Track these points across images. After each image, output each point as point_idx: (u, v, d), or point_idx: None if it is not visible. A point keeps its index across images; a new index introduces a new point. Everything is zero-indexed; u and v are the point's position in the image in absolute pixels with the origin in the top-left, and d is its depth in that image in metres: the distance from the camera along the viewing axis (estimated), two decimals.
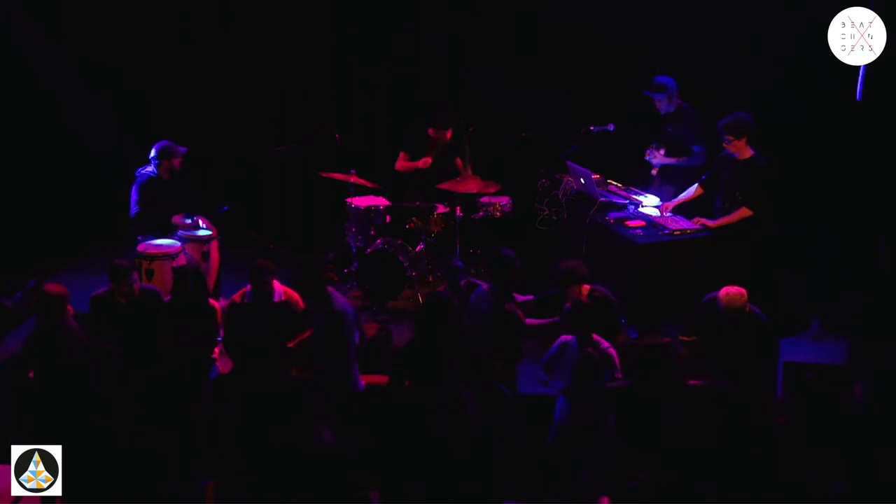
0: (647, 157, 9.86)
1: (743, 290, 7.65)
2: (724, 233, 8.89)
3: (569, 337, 7.46)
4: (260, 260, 8.26)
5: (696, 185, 9.27)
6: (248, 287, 8.21)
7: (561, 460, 7.25)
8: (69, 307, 7.64)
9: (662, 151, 9.77)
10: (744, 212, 8.79)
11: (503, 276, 7.94)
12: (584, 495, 7.14)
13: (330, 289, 7.79)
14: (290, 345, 7.92)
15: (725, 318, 7.63)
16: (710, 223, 8.93)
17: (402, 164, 10.58)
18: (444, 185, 10.29)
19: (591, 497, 7.13)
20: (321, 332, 7.73)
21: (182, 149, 9.69)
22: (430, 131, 10.45)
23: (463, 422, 6.46)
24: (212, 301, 8.41)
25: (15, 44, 11.23)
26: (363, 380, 7.91)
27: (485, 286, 8.12)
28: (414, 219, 10.36)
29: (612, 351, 7.35)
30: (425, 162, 10.39)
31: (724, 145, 8.86)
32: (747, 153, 8.84)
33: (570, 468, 7.21)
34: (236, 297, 8.28)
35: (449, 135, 10.46)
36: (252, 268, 8.14)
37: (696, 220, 9.06)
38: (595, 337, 7.38)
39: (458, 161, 10.60)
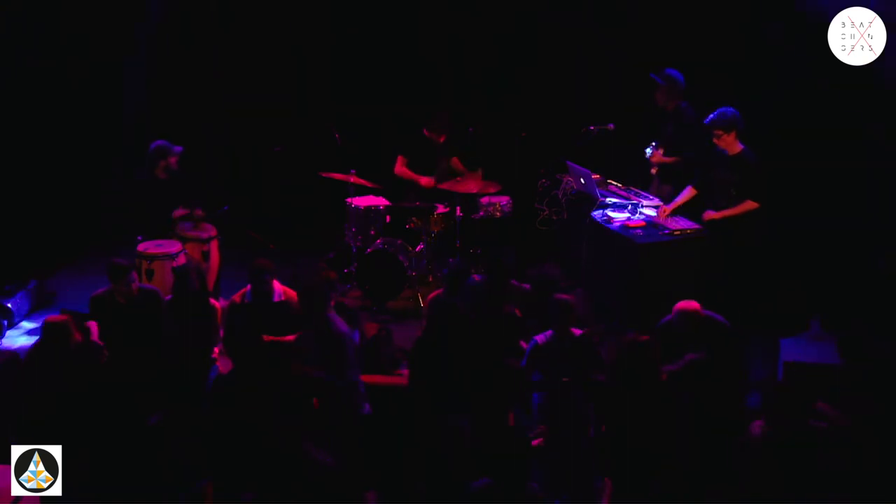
0: (647, 155, 9.84)
1: (695, 303, 7.54)
2: (723, 233, 8.88)
3: (539, 337, 7.44)
4: (260, 260, 8.27)
5: (689, 186, 9.25)
6: (248, 287, 8.21)
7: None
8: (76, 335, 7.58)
9: (661, 151, 9.76)
10: (749, 204, 8.77)
11: (500, 279, 7.97)
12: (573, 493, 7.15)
13: (330, 313, 7.66)
14: (266, 339, 7.84)
15: (681, 331, 7.53)
16: (716, 215, 8.90)
17: (401, 169, 10.57)
18: (444, 185, 10.30)
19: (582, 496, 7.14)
20: (319, 355, 7.59)
21: (177, 148, 9.69)
22: (425, 131, 10.47)
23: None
24: (212, 301, 8.42)
25: (15, 43, 11.23)
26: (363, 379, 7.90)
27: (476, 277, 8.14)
28: (414, 219, 10.36)
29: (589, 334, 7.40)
30: (428, 182, 10.40)
31: (714, 140, 8.84)
32: (737, 148, 8.84)
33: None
34: (236, 297, 8.29)
35: (443, 139, 10.49)
36: (252, 267, 8.15)
37: (704, 215, 9.02)
38: (573, 330, 7.40)
39: (456, 161, 10.61)
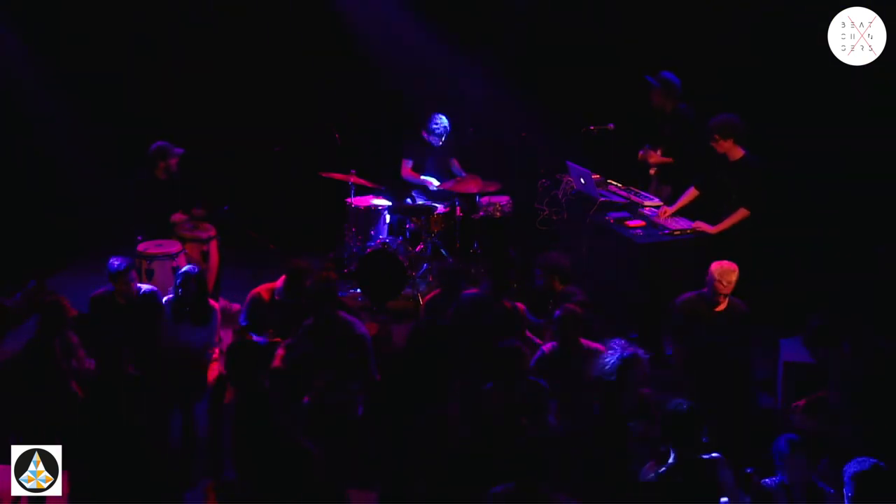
0: (641, 158, 9.84)
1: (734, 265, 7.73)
2: (724, 233, 8.87)
3: (547, 347, 7.39)
4: (298, 260, 8.24)
5: (691, 187, 9.22)
6: (279, 284, 8.17)
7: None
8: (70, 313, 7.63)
9: (659, 151, 9.76)
10: (741, 213, 8.76)
11: (503, 276, 7.96)
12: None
13: (342, 314, 7.71)
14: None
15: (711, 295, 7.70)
16: (711, 229, 8.89)
17: (408, 172, 10.59)
18: (445, 185, 10.31)
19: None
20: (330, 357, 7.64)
21: (178, 150, 9.70)
22: (424, 133, 10.48)
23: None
24: (211, 301, 8.41)
25: (13, 45, 11.24)
26: None
27: (474, 290, 8.10)
28: (414, 219, 10.36)
29: (601, 347, 7.24)
30: (431, 183, 10.42)
31: (712, 144, 8.81)
32: (738, 154, 8.79)
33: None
34: (263, 292, 8.21)
35: (440, 142, 10.50)
36: (290, 269, 8.09)
37: (696, 224, 9.01)
38: (582, 341, 7.31)
39: (455, 163, 10.62)
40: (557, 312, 7.39)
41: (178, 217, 9.62)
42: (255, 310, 8.19)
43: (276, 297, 8.14)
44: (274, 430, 6.56)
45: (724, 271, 7.72)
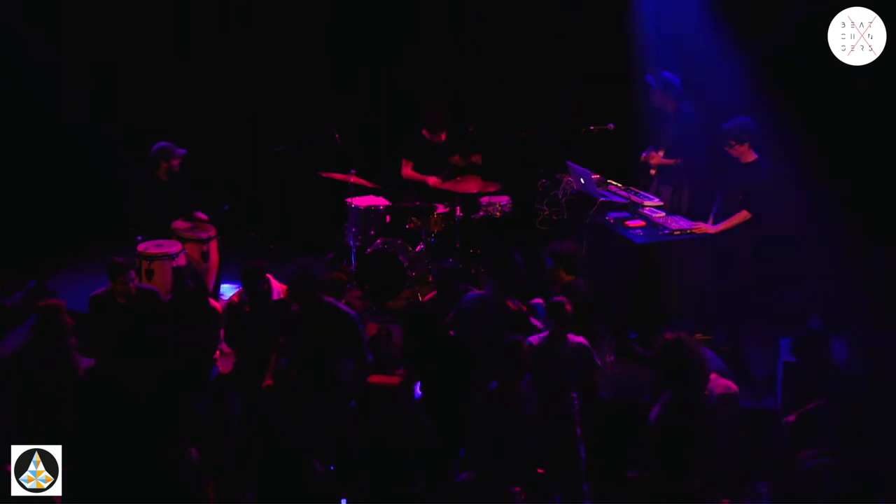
0: (644, 160, 9.85)
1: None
2: (724, 233, 8.87)
3: (534, 338, 7.31)
4: (253, 261, 8.25)
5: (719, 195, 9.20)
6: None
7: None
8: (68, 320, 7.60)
9: (661, 153, 9.76)
10: (743, 215, 8.76)
11: (506, 276, 7.94)
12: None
13: (330, 299, 7.74)
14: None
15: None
16: (711, 229, 8.90)
17: (408, 172, 10.56)
18: (445, 185, 10.30)
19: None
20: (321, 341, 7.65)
21: (181, 150, 9.70)
22: (424, 132, 10.47)
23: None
24: (212, 301, 8.41)
25: (15, 45, 11.23)
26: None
27: (477, 291, 8.09)
28: (414, 219, 10.36)
29: (586, 342, 7.23)
30: (435, 181, 10.40)
31: (727, 149, 8.81)
32: (750, 157, 8.80)
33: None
34: (234, 297, 8.30)
35: (443, 137, 10.48)
36: (243, 270, 8.14)
37: (696, 226, 9.02)
38: (570, 336, 7.27)
39: (457, 158, 10.60)
40: (544, 303, 7.38)
41: (179, 224, 9.62)
42: (229, 315, 8.23)
43: (244, 300, 8.17)
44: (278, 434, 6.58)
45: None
